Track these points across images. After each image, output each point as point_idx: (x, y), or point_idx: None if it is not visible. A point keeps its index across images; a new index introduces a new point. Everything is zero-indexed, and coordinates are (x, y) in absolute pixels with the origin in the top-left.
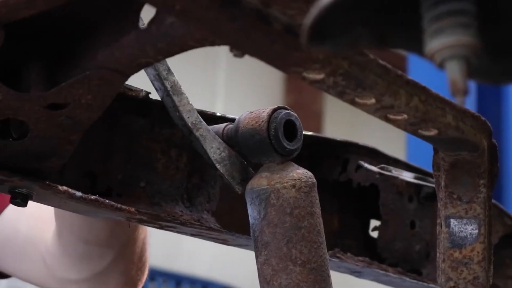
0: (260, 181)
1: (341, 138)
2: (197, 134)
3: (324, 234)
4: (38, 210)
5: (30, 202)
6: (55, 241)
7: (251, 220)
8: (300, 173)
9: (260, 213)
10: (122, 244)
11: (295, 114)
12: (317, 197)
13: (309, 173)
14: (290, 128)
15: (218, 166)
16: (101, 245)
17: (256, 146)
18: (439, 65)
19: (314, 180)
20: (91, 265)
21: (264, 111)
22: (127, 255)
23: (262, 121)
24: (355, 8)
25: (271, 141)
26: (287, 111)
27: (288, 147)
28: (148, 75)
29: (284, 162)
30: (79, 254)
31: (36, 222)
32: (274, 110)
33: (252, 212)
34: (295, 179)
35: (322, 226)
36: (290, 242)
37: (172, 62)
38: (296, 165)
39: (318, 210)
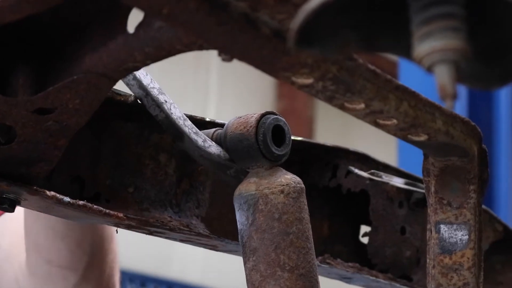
0: (248, 187)
1: (331, 143)
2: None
3: (312, 240)
4: (21, 227)
5: (15, 218)
6: (25, 260)
7: (239, 226)
8: (288, 178)
9: (248, 218)
10: (86, 267)
11: (284, 119)
12: (306, 203)
13: (298, 179)
14: (278, 133)
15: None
16: (64, 267)
17: (244, 151)
18: (427, 69)
19: (303, 185)
20: (55, 287)
21: (252, 116)
22: (92, 278)
23: (250, 126)
24: (343, 12)
25: (259, 146)
26: (276, 116)
27: (276, 152)
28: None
29: (273, 167)
30: (44, 274)
31: (17, 239)
32: (263, 115)
33: (240, 218)
34: (284, 185)
35: (310, 231)
36: (278, 248)
37: (165, 66)
38: (284, 171)
39: (306, 215)
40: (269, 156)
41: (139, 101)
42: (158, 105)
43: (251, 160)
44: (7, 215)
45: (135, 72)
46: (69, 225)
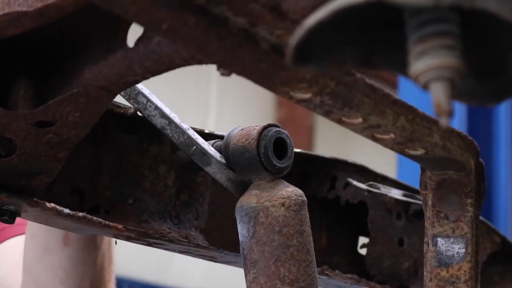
0: (250, 199)
1: (330, 155)
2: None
3: (314, 252)
4: (21, 259)
5: (15, 248)
6: None
7: (240, 238)
8: (290, 191)
9: (249, 231)
10: None
11: (286, 132)
12: (307, 216)
13: (299, 191)
14: (280, 146)
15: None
16: None
17: (246, 163)
18: (423, 86)
19: (304, 198)
20: None
21: (254, 129)
22: None
23: (252, 139)
24: (340, 29)
25: (260, 159)
26: (278, 129)
27: (278, 165)
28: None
29: (274, 180)
30: None
31: (16, 271)
32: (265, 127)
33: (242, 230)
34: (285, 197)
35: (312, 244)
36: (279, 260)
37: (165, 76)
38: (286, 183)
39: (308, 228)
40: (271, 169)
41: (138, 113)
42: (183, 132)
43: (253, 173)
44: (7, 244)
45: (155, 102)
46: (70, 271)
